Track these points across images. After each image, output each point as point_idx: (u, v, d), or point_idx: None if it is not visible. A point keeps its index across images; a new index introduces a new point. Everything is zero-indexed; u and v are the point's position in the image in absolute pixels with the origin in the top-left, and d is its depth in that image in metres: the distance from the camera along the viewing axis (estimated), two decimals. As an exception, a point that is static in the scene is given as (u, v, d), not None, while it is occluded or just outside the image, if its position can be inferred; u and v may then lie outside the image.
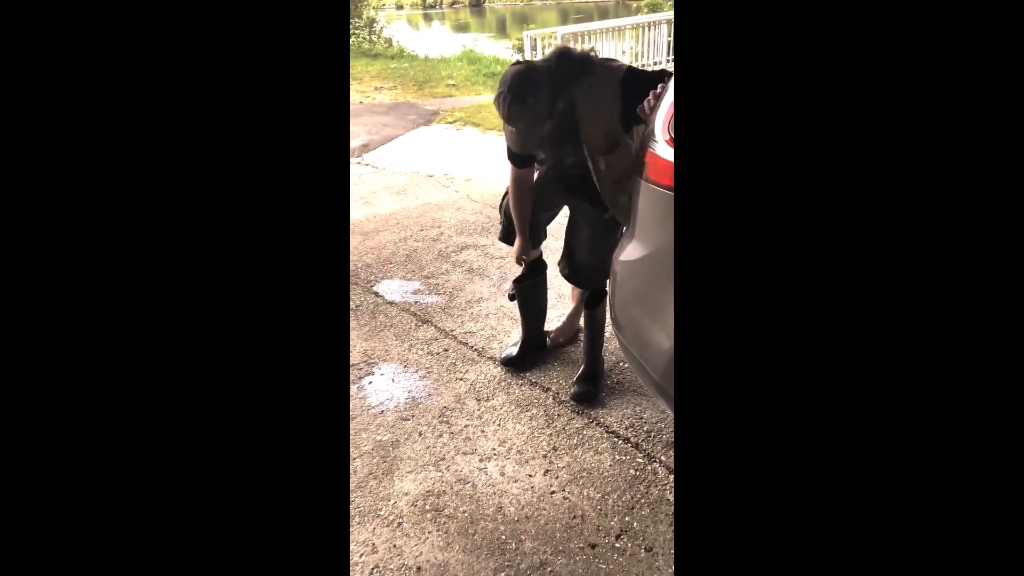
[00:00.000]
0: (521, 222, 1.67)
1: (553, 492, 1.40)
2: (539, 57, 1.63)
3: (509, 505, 1.37)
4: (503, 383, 1.79)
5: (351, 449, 1.55)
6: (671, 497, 1.37)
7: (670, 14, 7.35)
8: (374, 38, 11.10)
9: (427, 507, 1.37)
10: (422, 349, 1.97)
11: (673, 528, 1.28)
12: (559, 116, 1.42)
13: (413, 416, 1.66)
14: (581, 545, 1.27)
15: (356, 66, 8.50)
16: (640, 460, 1.48)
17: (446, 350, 1.96)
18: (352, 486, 1.43)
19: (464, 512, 1.35)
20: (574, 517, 1.33)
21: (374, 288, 2.38)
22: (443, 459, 1.51)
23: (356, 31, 10.92)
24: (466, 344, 1.98)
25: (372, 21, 11.88)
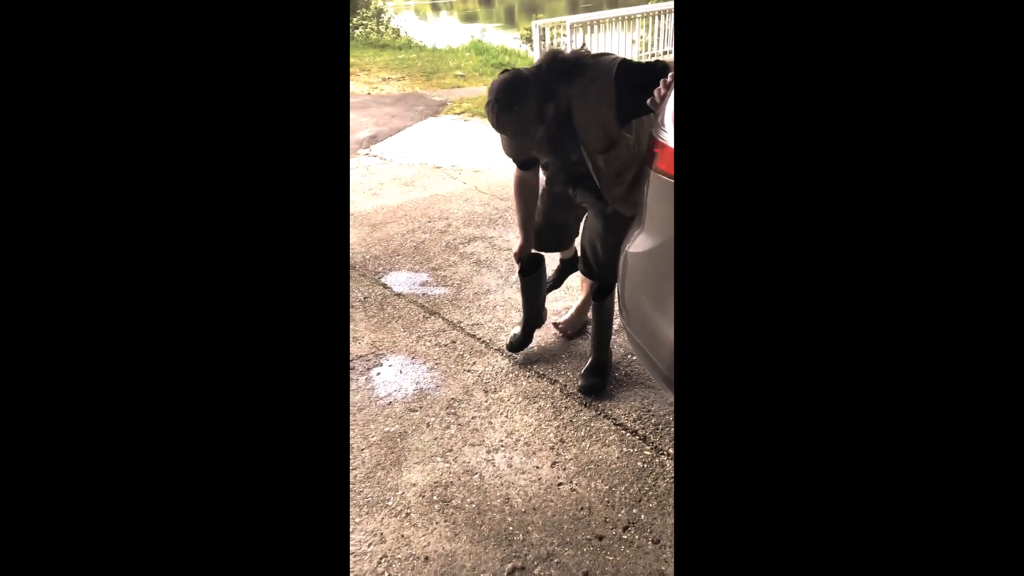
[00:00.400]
0: (522, 221, 1.68)
1: (560, 484, 1.40)
2: (548, 46, 1.62)
3: (516, 496, 1.37)
4: (511, 375, 1.79)
5: (360, 440, 1.56)
6: (679, 490, 1.36)
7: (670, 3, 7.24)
8: (382, 29, 11.05)
9: (435, 498, 1.38)
10: (430, 341, 1.97)
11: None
12: (555, 120, 1.40)
13: (421, 407, 1.67)
14: (588, 537, 1.27)
15: (364, 57, 8.48)
16: (648, 452, 1.47)
17: (454, 342, 1.96)
18: (360, 476, 1.44)
19: (471, 503, 1.36)
20: (581, 509, 1.33)
21: (382, 280, 2.38)
22: (451, 450, 1.51)
23: (364, 21, 10.88)
24: (474, 336, 1.98)
25: (380, 11, 11.82)
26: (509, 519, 1.31)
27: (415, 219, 2.95)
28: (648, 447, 1.49)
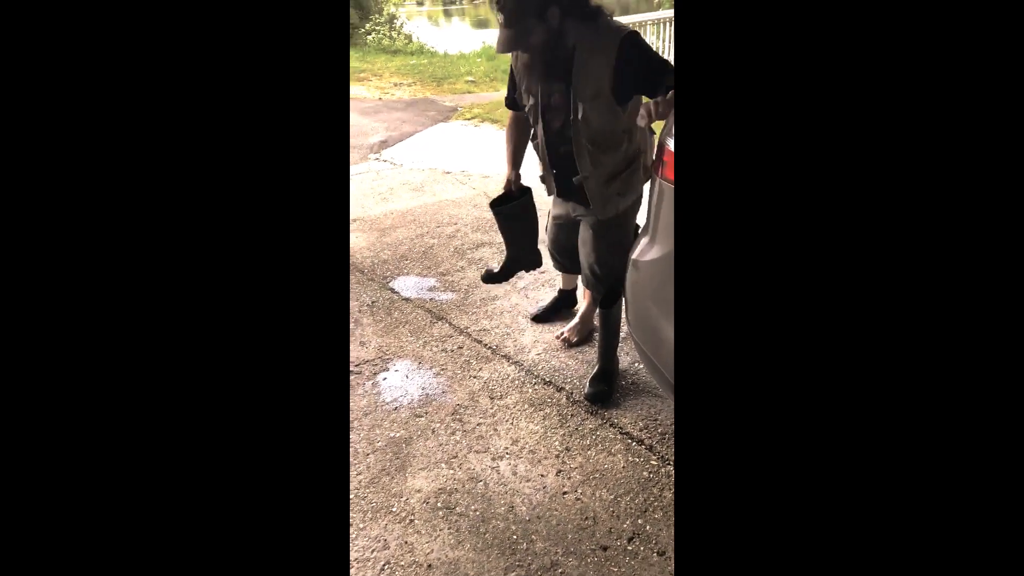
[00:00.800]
0: (510, 154, 1.74)
1: (565, 492, 1.39)
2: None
3: (521, 505, 1.36)
4: (517, 382, 1.78)
5: (365, 444, 1.56)
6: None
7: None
8: (394, 34, 11.13)
9: (439, 504, 1.37)
10: (437, 346, 1.97)
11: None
12: (555, 48, 1.36)
13: (427, 413, 1.67)
14: (593, 547, 1.26)
15: (376, 62, 8.54)
16: (654, 463, 1.46)
17: (460, 347, 1.96)
18: (365, 482, 1.44)
19: (476, 511, 1.35)
20: (586, 519, 1.32)
21: (390, 284, 2.39)
22: (455, 457, 1.51)
23: (377, 27, 10.97)
24: (480, 342, 1.98)
25: (393, 17, 11.92)
26: (513, 527, 1.31)
27: (424, 224, 2.96)
28: (654, 457, 1.48)
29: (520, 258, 1.79)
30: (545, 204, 1.79)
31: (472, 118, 5.10)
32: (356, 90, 6.71)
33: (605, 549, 1.25)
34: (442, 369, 1.86)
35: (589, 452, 1.50)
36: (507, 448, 1.53)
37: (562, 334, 1.93)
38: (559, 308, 2.06)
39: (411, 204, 3.23)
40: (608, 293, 1.67)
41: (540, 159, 1.62)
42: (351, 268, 2.53)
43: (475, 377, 1.81)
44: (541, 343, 1.95)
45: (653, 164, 1.30)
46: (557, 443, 1.54)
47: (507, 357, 1.90)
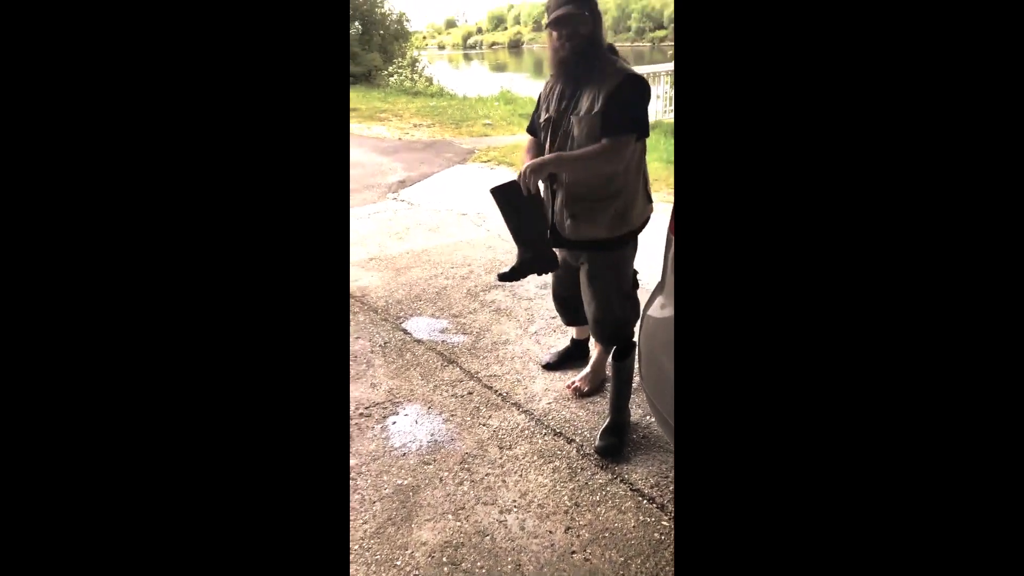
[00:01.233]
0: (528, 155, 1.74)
1: (574, 552, 1.36)
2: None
3: (528, 563, 1.33)
4: (526, 431, 1.76)
5: (372, 491, 1.54)
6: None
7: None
8: (416, 76, 11.52)
9: (444, 559, 1.34)
10: (447, 391, 1.97)
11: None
12: (575, 70, 1.53)
13: (435, 461, 1.65)
14: (601, 612, 1.22)
15: (397, 103, 8.81)
16: (665, 523, 1.43)
17: (470, 393, 1.95)
18: (370, 532, 1.42)
19: (482, 568, 1.32)
20: (595, 581, 1.28)
21: (403, 325, 2.40)
22: (463, 508, 1.49)
23: (400, 70, 11.35)
24: (491, 388, 1.97)
25: (415, 60, 12.36)
26: (519, 587, 1.27)
27: (439, 264, 2.99)
28: (666, 517, 1.44)
29: (531, 258, 1.66)
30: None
31: (488, 161, 5.22)
32: (377, 129, 6.91)
33: (614, 615, 1.21)
34: (451, 415, 1.85)
35: (599, 509, 1.47)
36: (515, 501, 1.50)
37: (573, 383, 1.92)
38: (571, 357, 2.06)
39: (427, 244, 3.27)
40: (621, 345, 1.67)
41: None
42: (365, 308, 2.56)
43: (484, 425, 1.80)
44: (552, 392, 1.94)
45: (669, 225, 1.33)
46: (566, 498, 1.51)
47: (517, 405, 1.88)
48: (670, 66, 7.22)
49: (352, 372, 2.06)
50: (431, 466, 1.63)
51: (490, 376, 2.04)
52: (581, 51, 1.50)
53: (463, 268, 2.94)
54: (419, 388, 1.99)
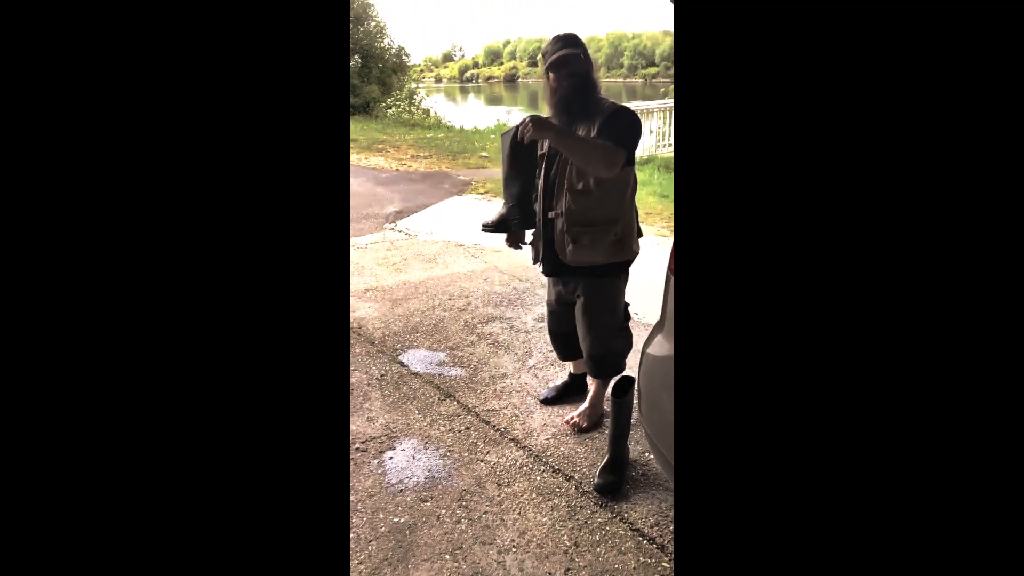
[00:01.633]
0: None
1: (574, 594, 1.33)
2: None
3: (527, 606, 1.30)
4: (524, 468, 1.75)
5: (367, 530, 1.51)
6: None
7: (697, 98, 7.61)
8: (413, 109, 11.74)
9: (442, 602, 1.31)
10: (444, 425, 1.95)
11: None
12: (571, 106, 1.63)
13: (432, 498, 1.63)
14: (602, 658, 1.19)
15: (395, 134, 8.95)
16: (666, 564, 1.41)
17: (468, 428, 1.94)
18: (366, 573, 1.39)
19: (480, 610, 1.29)
20: (595, 625, 1.26)
21: (400, 357, 2.40)
22: (460, 548, 1.46)
23: (398, 102, 11.56)
24: (488, 423, 1.96)
25: (412, 93, 12.61)
26: (519, 632, 1.24)
27: (436, 296, 3.00)
28: (666, 558, 1.42)
29: (513, 214, 1.74)
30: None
31: (485, 192, 5.28)
32: (374, 160, 7.00)
33: (615, 661, 1.18)
34: (449, 450, 1.83)
35: (599, 549, 1.45)
36: (514, 541, 1.48)
37: (572, 419, 1.91)
38: (570, 391, 2.06)
39: (423, 275, 3.29)
40: (620, 382, 1.68)
41: (535, 221, 1.80)
42: (361, 339, 2.55)
43: (482, 461, 1.78)
44: (550, 427, 1.93)
45: (669, 263, 1.35)
46: (566, 538, 1.49)
47: (515, 441, 1.87)
48: (663, 102, 7.42)
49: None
50: (428, 503, 1.61)
51: (488, 411, 2.03)
52: (577, 88, 1.61)
53: (460, 300, 2.95)
54: (416, 422, 1.97)
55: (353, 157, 7.01)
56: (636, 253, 1.75)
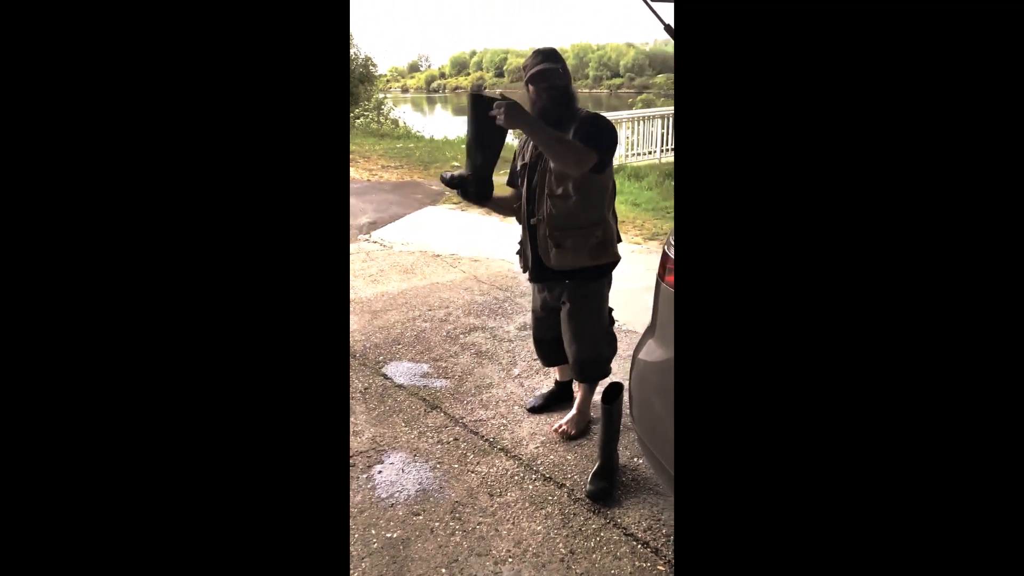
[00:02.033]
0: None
1: (572, 602, 1.33)
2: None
3: (527, 616, 1.30)
4: (516, 477, 1.75)
5: (360, 547, 1.48)
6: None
7: (663, 110, 7.83)
8: (382, 119, 11.66)
9: (440, 616, 1.30)
10: (432, 437, 1.94)
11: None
12: (552, 115, 1.66)
13: (424, 511, 1.61)
14: (605, 665, 1.19)
15: (364, 145, 8.87)
16: (661, 568, 1.43)
17: (456, 439, 1.93)
18: (361, 590, 1.36)
19: (480, 623, 1.28)
20: (596, 631, 1.26)
21: (383, 370, 2.37)
22: (456, 561, 1.45)
23: (366, 112, 11.48)
24: (476, 433, 1.96)
25: (380, 103, 12.53)
26: (520, 642, 1.24)
27: (416, 307, 2.98)
28: (661, 561, 1.44)
29: (469, 183, 1.69)
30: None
31: (459, 202, 5.28)
32: (345, 171, 6.91)
33: (618, 667, 1.19)
34: (438, 462, 1.81)
35: (594, 556, 1.46)
36: (510, 551, 1.48)
37: (560, 427, 1.92)
38: (557, 399, 2.07)
39: (402, 286, 3.26)
40: (609, 389, 1.70)
41: (521, 227, 1.83)
42: (342, 352, 2.51)
43: (473, 472, 1.77)
44: (539, 435, 1.94)
45: (658, 269, 1.38)
46: (561, 545, 1.49)
47: (505, 451, 1.87)
48: (631, 113, 7.58)
49: (333, 420, 2.01)
50: (420, 517, 1.59)
51: (475, 421, 2.02)
52: (557, 100, 1.66)
53: (441, 311, 2.93)
54: (403, 435, 1.95)
55: (323, 168, 6.91)
56: (618, 257, 1.80)
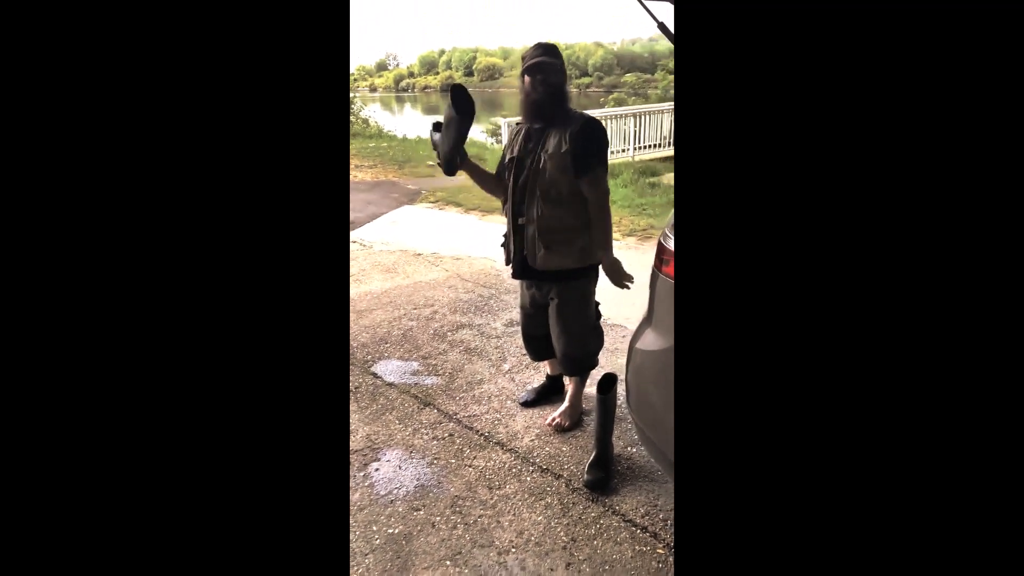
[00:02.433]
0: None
1: (577, 588, 1.36)
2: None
3: (534, 603, 1.32)
4: (514, 470, 1.77)
5: (362, 543, 1.48)
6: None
7: (634, 108, 7.95)
8: (352, 118, 11.50)
9: (449, 608, 1.31)
10: (427, 433, 1.94)
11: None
12: (543, 114, 1.69)
13: (424, 506, 1.62)
14: (612, 646, 1.22)
15: (336, 144, 8.73)
16: (661, 551, 1.47)
17: (451, 435, 1.94)
18: (368, 586, 1.36)
19: (488, 612, 1.30)
20: (602, 615, 1.29)
21: (372, 369, 2.35)
22: (459, 553, 1.46)
23: (336, 111, 11.27)
24: (471, 428, 1.97)
25: (351, 102, 12.35)
26: (529, 629, 1.26)
27: (401, 306, 2.97)
28: (660, 545, 1.48)
29: (439, 158, 1.81)
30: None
31: (436, 201, 5.27)
32: (318, 170, 6.80)
33: (625, 647, 1.22)
34: (435, 458, 1.82)
35: (595, 542, 1.49)
36: (512, 541, 1.50)
37: (553, 419, 1.95)
38: (548, 392, 2.10)
39: (385, 286, 3.24)
40: (604, 379, 1.73)
41: (506, 222, 1.84)
42: (329, 352, 2.48)
43: (470, 466, 1.78)
44: (533, 429, 1.96)
45: (654, 260, 1.42)
46: (563, 534, 1.52)
47: (501, 444, 1.88)
48: (604, 111, 7.67)
49: (325, 420, 1.99)
50: (421, 512, 1.60)
51: (469, 416, 2.03)
52: (551, 95, 1.67)
53: (426, 309, 2.93)
54: (398, 432, 1.95)
55: (295, 167, 6.78)
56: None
